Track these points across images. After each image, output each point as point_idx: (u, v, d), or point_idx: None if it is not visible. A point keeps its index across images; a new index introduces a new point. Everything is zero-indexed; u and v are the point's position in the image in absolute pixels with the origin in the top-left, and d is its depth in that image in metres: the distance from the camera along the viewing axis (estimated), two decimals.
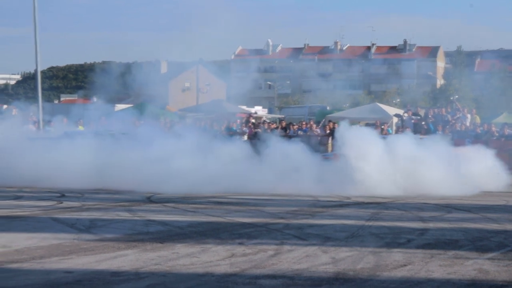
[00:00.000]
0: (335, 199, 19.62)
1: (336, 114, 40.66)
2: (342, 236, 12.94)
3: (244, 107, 57.72)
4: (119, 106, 51.34)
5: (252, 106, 64.65)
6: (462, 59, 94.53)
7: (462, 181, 21.42)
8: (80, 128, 31.11)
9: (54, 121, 31.72)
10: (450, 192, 20.69)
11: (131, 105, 47.02)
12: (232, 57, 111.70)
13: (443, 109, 31.19)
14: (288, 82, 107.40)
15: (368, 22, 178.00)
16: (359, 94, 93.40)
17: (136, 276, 9.38)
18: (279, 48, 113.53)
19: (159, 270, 9.79)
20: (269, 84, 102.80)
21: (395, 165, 21.65)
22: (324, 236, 12.91)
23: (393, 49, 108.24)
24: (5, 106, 44.16)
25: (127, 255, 10.68)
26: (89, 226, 13.43)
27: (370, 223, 14.71)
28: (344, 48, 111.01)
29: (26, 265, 9.88)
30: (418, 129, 28.41)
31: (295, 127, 31.11)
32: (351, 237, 12.93)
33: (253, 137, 28.76)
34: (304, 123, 32.93)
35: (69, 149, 22.78)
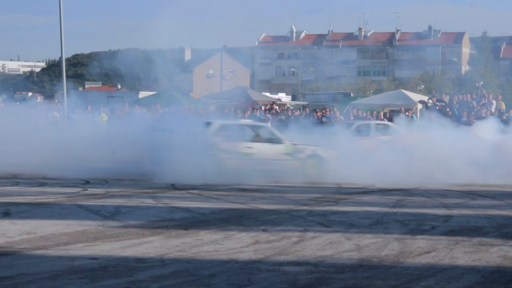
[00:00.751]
0: (359, 186, 19.58)
1: (360, 101, 40.53)
2: (366, 223, 12.92)
3: (268, 94, 57.68)
4: (143, 93, 51.51)
5: (276, 93, 64.59)
6: (487, 45, 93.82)
7: None
8: (103, 116, 31.24)
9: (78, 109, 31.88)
10: None
11: (155, 92, 47.15)
12: (256, 44, 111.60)
13: (468, 96, 30.96)
14: (312, 68, 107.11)
15: (392, 8, 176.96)
16: (383, 80, 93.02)
17: (160, 262, 9.42)
18: (302, 34, 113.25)
19: (183, 256, 9.82)
20: (293, 71, 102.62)
21: None
22: (348, 223, 12.90)
23: (417, 35, 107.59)
24: (30, 94, 44.49)
25: (152, 241, 10.73)
26: (114, 213, 13.50)
27: (394, 210, 14.68)
28: (368, 35, 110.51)
29: (51, 252, 9.95)
30: (443, 116, 28.23)
31: (319, 113, 31.06)
32: (375, 224, 12.90)
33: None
34: (328, 109, 32.87)
35: None
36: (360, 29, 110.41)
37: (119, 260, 9.44)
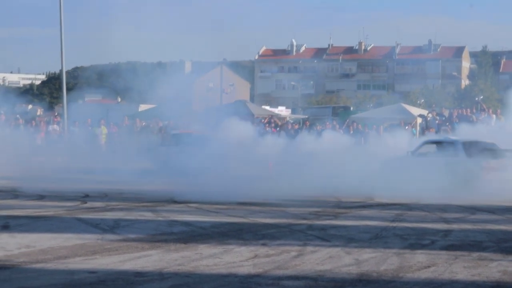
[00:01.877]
0: (358, 200, 19.55)
1: (360, 115, 40.57)
2: (365, 237, 12.90)
3: (268, 107, 57.71)
4: (143, 106, 51.52)
5: (276, 107, 64.62)
6: (487, 59, 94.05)
7: None
8: (103, 129, 31.27)
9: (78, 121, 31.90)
10: None
11: (155, 105, 47.15)
12: (256, 57, 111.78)
13: (468, 110, 31.02)
14: (312, 82, 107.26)
15: (392, 22, 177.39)
16: (383, 94, 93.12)
17: (159, 276, 9.41)
18: (303, 48, 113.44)
19: (182, 270, 9.81)
20: (293, 85, 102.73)
21: None
22: (348, 237, 12.89)
23: (417, 49, 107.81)
24: (30, 106, 44.51)
25: (151, 255, 10.72)
26: (113, 226, 13.49)
27: (394, 224, 14.66)
28: (368, 49, 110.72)
29: (50, 265, 9.94)
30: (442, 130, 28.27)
31: (319, 127, 31.10)
32: (374, 238, 12.89)
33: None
34: (327, 123, 32.89)
35: None
36: (360, 43, 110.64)
37: (118, 274, 9.43)
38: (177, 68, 58.96)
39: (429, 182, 19.61)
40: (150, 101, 51.77)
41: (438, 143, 23.64)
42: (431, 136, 26.14)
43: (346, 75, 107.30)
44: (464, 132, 26.26)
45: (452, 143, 22.67)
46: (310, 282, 9.28)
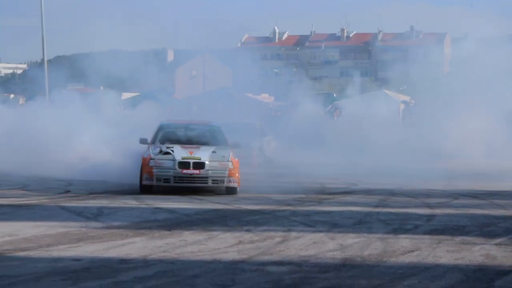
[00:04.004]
0: (342, 185, 19.61)
1: (343, 101, 40.63)
2: (349, 223, 12.95)
3: (251, 95, 57.62)
4: (126, 95, 51.35)
5: (259, 94, 64.54)
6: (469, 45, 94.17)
7: None
8: None
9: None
10: None
11: (138, 94, 47.02)
12: (239, 45, 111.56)
13: None
14: (295, 69, 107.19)
15: (374, 9, 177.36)
16: (366, 81, 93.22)
17: (144, 263, 9.40)
18: (285, 35, 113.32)
19: (167, 257, 9.81)
20: (276, 72, 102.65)
21: None
22: (332, 222, 12.93)
23: (399, 36, 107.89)
24: (12, 96, 44.27)
25: (135, 242, 10.71)
26: (97, 214, 13.47)
27: (378, 210, 14.72)
28: (350, 35, 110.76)
29: (33, 253, 9.90)
30: None
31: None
32: (358, 223, 12.94)
33: None
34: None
35: None
36: (342, 29, 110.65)
37: (103, 261, 9.41)
38: (159, 56, 58.77)
39: None
40: (133, 90, 51.66)
41: None
42: None
43: (329, 62, 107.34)
44: None
45: None
46: (295, 268, 9.31)
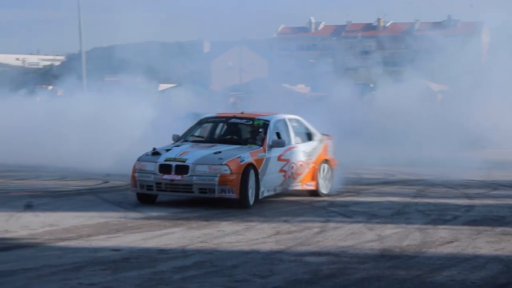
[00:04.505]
0: (380, 176, 19.52)
1: (380, 91, 40.37)
2: (387, 213, 12.89)
3: (287, 86, 57.57)
4: (162, 86, 51.56)
5: (295, 84, 64.46)
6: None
7: None
8: None
9: None
10: None
11: (175, 85, 47.18)
12: (275, 35, 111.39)
13: None
14: (331, 59, 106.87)
15: None
16: (403, 71, 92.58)
17: (182, 253, 9.45)
18: (321, 25, 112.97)
19: (205, 247, 9.85)
20: (312, 62, 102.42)
21: None
22: (370, 213, 12.88)
23: (436, 25, 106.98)
24: (50, 87, 44.64)
25: (173, 233, 10.76)
26: (136, 205, 13.54)
27: (416, 200, 14.63)
28: (387, 25, 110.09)
29: (73, 243, 10.00)
30: None
31: None
32: (396, 214, 12.88)
33: None
34: None
35: None
36: (379, 19, 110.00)
37: (142, 251, 9.47)
38: (195, 47, 58.91)
39: None
40: (170, 81, 51.85)
41: None
42: None
43: (365, 52, 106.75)
44: None
45: None
46: (333, 258, 9.29)
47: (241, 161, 13.26)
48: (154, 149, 13.70)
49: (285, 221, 11.94)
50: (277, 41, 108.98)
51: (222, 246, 9.93)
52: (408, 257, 9.44)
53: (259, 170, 13.54)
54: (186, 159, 13.31)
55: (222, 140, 14.46)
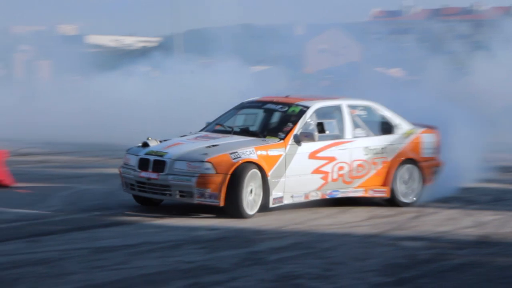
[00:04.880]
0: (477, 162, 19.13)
1: (477, 77, 39.55)
2: (486, 200, 12.66)
3: (380, 69, 57.00)
4: (254, 69, 51.74)
5: (389, 69, 63.75)
6: None
7: None
8: None
9: None
10: None
11: (268, 67, 47.27)
12: (367, 19, 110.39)
13: None
14: (425, 44, 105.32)
15: None
16: (500, 55, 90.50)
17: (277, 234, 9.50)
18: (415, 9, 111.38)
19: (300, 229, 9.87)
20: (406, 46, 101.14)
21: None
22: (467, 199, 12.66)
23: None
24: (145, 68, 45.30)
25: (269, 214, 10.79)
26: None
27: None
28: (483, 9, 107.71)
29: (170, 221, 10.16)
30: None
31: None
32: (495, 200, 12.63)
33: None
34: None
35: None
36: (476, 3, 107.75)
37: (238, 232, 9.56)
38: (289, 30, 58.86)
39: None
40: (262, 63, 51.99)
41: None
42: None
43: (461, 36, 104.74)
44: None
45: None
46: (430, 243, 9.18)
47: (233, 158, 10.27)
48: (148, 138, 11.10)
49: (380, 205, 11.85)
50: (370, 24, 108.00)
51: (318, 228, 9.94)
52: (507, 244, 9.27)
53: (270, 171, 10.56)
54: (166, 153, 10.55)
55: (239, 130, 11.47)
